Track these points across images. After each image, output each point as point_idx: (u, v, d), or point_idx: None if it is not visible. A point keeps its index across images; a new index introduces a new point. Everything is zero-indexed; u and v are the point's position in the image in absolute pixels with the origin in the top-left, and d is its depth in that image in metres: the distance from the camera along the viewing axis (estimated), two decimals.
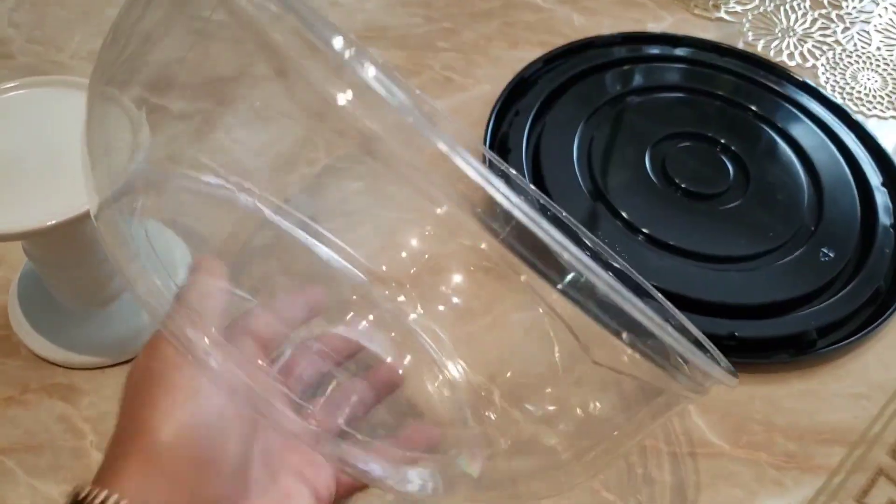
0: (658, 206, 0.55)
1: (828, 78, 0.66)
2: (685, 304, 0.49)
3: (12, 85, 0.40)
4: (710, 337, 0.48)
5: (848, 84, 0.66)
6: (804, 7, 0.72)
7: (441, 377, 0.41)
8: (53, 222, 0.35)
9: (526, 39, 0.60)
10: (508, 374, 0.42)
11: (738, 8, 0.71)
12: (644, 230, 0.53)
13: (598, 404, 0.34)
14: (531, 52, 0.62)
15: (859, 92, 0.65)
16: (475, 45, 0.63)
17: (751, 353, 0.49)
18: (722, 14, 0.70)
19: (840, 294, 0.52)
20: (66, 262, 0.42)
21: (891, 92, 0.65)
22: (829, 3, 0.72)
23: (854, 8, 0.72)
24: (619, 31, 0.66)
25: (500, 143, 0.57)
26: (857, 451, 0.45)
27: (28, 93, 0.40)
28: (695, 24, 0.69)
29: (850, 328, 0.51)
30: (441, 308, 0.43)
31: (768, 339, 0.49)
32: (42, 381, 0.45)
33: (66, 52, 0.60)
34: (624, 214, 0.54)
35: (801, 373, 0.48)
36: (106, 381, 0.44)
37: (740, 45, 0.67)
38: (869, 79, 0.66)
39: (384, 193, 0.42)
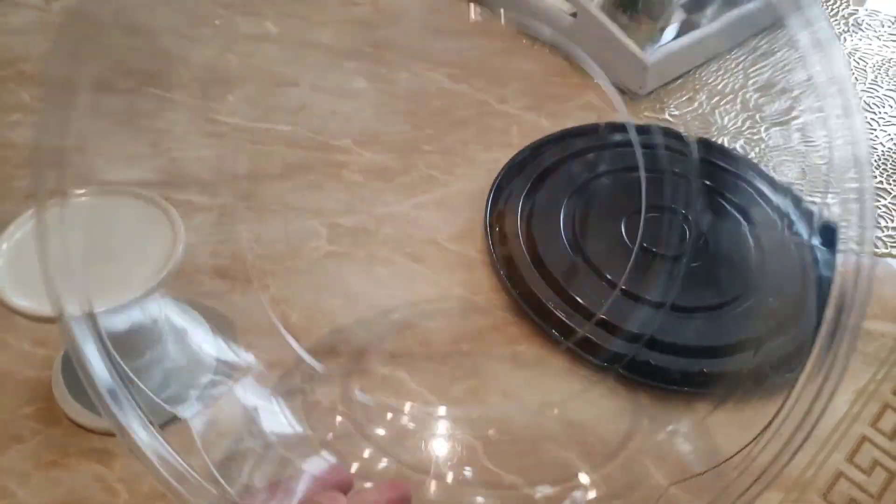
0: (632, 266, 0.62)
1: None
2: (661, 346, 0.57)
3: (82, 192, 0.47)
4: (683, 373, 0.55)
5: (771, 174, 0.75)
6: (735, 109, 0.82)
7: None
8: (101, 309, 0.41)
9: (498, 142, 0.68)
10: None
11: (678, 111, 0.81)
12: (622, 286, 0.60)
13: None
14: (504, 153, 0.70)
15: (781, 181, 0.74)
16: (454, 148, 0.72)
17: (717, 386, 0.56)
18: (666, 115, 0.80)
19: (787, 336, 0.58)
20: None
21: (810, 181, 0.75)
22: (753, 106, 0.83)
23: (776, 111, 0.83)
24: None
25: (497, 218, 0.65)
26: (791, 494, 0.51)
27: (93, 199, 0.47)
28: (644, 124, 0.78)
29: (797, 364, 0.58)
30: None
31: (733, 372, 0.56)
32: (80, 446, 0.49)
33: (102, 157, 0.67)
34: (606, 274, 0.61)
35: (746, 421, 0.54)
36: None
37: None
38: (790, 169, 0.76)
39: None
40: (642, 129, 0.77)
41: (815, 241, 0.67)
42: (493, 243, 0.63)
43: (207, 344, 0.54)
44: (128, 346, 0.47)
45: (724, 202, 0.69)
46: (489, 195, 0.66)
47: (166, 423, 0.40)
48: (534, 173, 0.70)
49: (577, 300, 0.59)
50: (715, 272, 0.63)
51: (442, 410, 0.53)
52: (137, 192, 0.47)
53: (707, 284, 0.62)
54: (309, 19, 0.74)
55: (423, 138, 0.72)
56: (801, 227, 0.68)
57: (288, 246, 0.62)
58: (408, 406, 0.53)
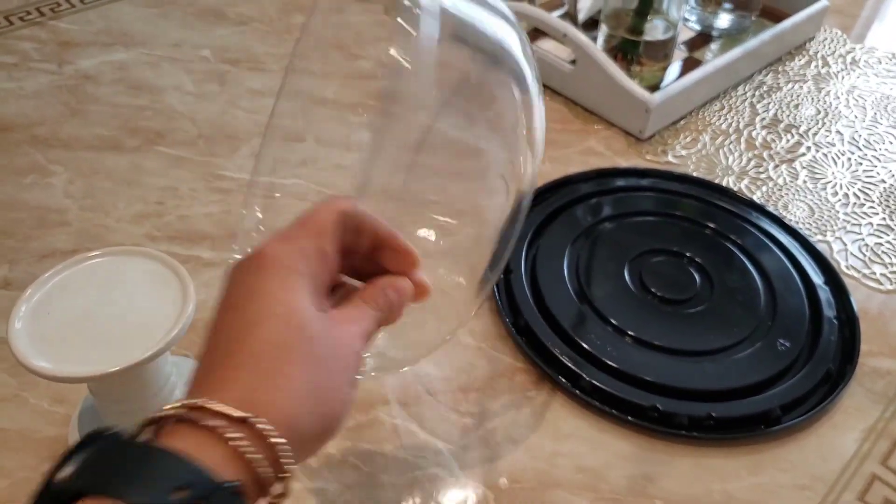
0: (639, 312, 0.63)
1: None
2: (669, 392, 0.57)
3: (96, 254, 0.48)
4: (691, 418, 0.55)
5: (780, 213, 0.75)
6: (740, 149, 0.83)
7: None
8: (116, 369, 0.42)
9: (500, 188, 0.69)
10: None
11: (683, 152, 0.82)
12: (629, 332, 0.61)
13: None
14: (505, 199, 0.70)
15: (790, 220, 0.74)
16: (459, 196, 0.72)
17: (725, 431, 0.56)
18: (669, 158, 0.81)
19: (797, 376, 0.59)
20: (124, 398, 0.48)
21: (817, 219, 0.75)
22: (760, 144, 0.84)
23: (782, 148, 0.84)
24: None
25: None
26: None
27: (106, 260, 0.48)
28: (647, 167, 0.79)
29: (809, 405, 0.58)
30: None
31: (739, 417, 0.56)
32: None
33: (112, 216, 0.68)
34: (611, 319, 0.62)
35: (754, 465, 0.54)
36: None
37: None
38: (798, 208, 0.76)
39: None
40: (645, 173, 0.78)
41: (821, 282, 0.67)
42: (497, 290, 0.64)
43: None
44: (140, 404, 0.48)
45: (730, 245, 0.70)
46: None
47: None
48: (537, 219, 0.70)
49: (583, 346, 0.59)
50: (722, 315, 0.63)
51: (453, 462, 0.53)
52: (148, 251, 0.49)
53: (713, 328, 0.62)
54: (314, 73, 0.76)
55: (427, 188, 0.73)
56: (810, 268, 0.68)
57: None
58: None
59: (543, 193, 0.74)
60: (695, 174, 0.79)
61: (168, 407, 0.27)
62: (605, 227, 0.71)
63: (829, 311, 0.64)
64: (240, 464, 0.25)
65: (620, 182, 0.76)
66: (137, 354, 0.43)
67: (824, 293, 0.66)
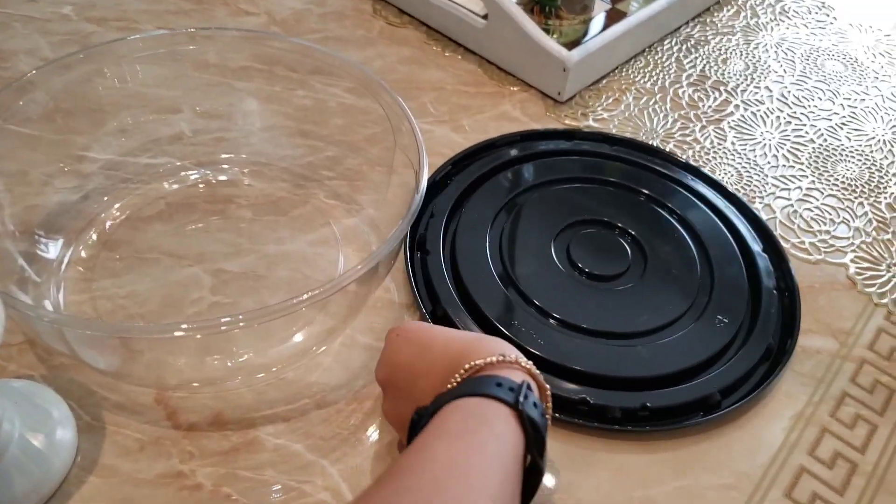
0: (566, 291, 0.56)
1: None
2: (599, 381, 0.51)
3: None
4: (625, 410, 0.49)
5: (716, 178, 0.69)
6: (665, 109, 0.77)
7: None
8: None
9: (402, 162, 0.60)
10: None
11: (605, 115, 0.75)
12: (555, 314, 0.54)
13: None
14: (410, 175, 0.60)
15: (726, 185, 0.69)
16: (358, 172, 0.64)
17: (662, 421, 0.50)
18: (590, 122, 0.74)
19: (737, 355, 0.54)
20: None
21: (745, 184, 0.69)
22: (687, 104, 0.78)
23: (710, 107, 0.78)
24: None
25: (418, 244, 0.58)
26: None
27: None
28: (572, 128, 0.72)
29: (749, 386, 0.53)
30: None
31: (677, 405, 0.50)
32: None
33: None
34: (536, 301, 0.55)
35: (679, 464, 0.49)
36: None
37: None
38: (726, 172, 0.70)
39: None
40: (567, 134, 0.71)
41: (760, 249, 0.61)
42: (413, 275, 0.56)
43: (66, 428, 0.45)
44: None
45: (664, 212, 0.64)
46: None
47: None
48: (456, 191, 0.63)
49: (506, 334, 0.52)
50: (657, 291, 0.57)
51: (343, 485, 0.45)
52: None
53: (648, 307, 0.56)
54: (193, 35, 0.66)
55: (322, 163, 0.64)
56: (748, 234, 0.62)
57: (165, 300, 0.54)
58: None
59: (463, 160, 0.66)
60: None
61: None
62: (531, 197, 0.63)
63: (768, 281, 0.58)
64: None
65: (546, 146, 0.69)
66: None
67: (763, 261, 0.60)
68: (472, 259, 0.57)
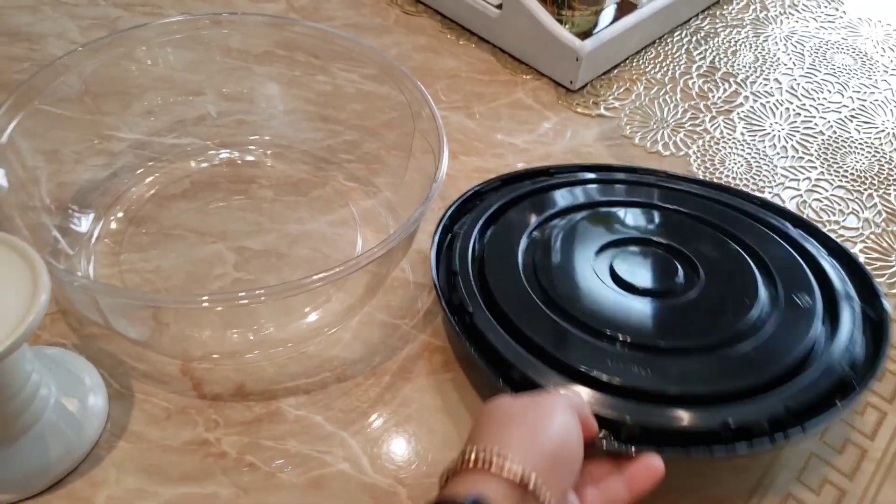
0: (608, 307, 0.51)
1: (699, 164, 0.71)
2: (675, 400, 0.45)
3: None
4: (704, 431, 0.43)
5: (717, 169, 0.71)
6: (675, 100, 0.78)
7: None
8: None
9: (421, 147, 0.62)
10: None
11: (616, 104, 0.77)
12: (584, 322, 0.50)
13: None
14: (428, 161, 0.59)
15: (727, 176, 0.70)
16: (377, 155, 0.66)
17: (746, 437, 0.43)
18: (602, 111, 0.76)
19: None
20: None
21: (755, 174, 0.71)
22: (697, 94, 0.79)
23: (719, 98, 0.79)
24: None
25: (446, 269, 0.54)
26: None
27: None
28: (578, 121, 0.74)
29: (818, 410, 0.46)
30: None
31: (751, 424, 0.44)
32: None
33: None
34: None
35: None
36: None
37: (619, 138, 0.73)
38: (735, 163, 0.72)
39: None
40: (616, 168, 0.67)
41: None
42: (437, 266, 0.53)
43: (98, 395, 0.48)
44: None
45: (727, 238, 0.58)
46: (433, 239, 0.55)
47: None
48: (480, 217, 0.58)
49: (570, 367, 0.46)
50: (712, 302, 0.53)
51: (362, 456, 0.47)
52: None
53: (705, 317, 0.52)
54: (217, 20, 0.68)
55: (341, 146, 0.67)
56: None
57: (189, 275, 0.56)
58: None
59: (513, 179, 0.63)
60: (620, 136, 0.73)
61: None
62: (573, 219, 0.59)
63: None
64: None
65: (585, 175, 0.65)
66: None
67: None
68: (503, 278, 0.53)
